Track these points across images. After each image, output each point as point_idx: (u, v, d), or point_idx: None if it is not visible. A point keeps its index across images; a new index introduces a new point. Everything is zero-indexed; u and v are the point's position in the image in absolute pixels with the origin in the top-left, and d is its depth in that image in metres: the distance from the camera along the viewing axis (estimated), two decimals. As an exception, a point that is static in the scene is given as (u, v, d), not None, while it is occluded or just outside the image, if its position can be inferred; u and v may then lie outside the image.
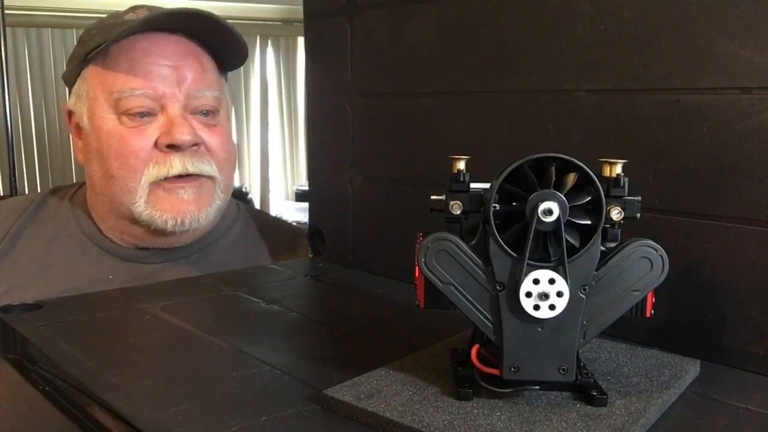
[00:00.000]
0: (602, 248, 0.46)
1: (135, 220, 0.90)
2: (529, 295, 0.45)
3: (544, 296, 0.45)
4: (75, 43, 0.96)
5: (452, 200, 0.47)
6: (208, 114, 0.93)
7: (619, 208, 0.46)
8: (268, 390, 0.51)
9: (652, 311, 0.48)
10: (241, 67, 1.12)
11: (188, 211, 0.89)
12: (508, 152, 0.46)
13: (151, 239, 0.94)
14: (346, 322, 0.51)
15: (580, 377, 0.48)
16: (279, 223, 1.22)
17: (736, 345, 0.57)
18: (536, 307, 0.45)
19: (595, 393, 0.47)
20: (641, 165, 0.61)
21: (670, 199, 0.60)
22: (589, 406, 0.46)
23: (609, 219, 0.46)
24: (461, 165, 0.49)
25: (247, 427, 0.46)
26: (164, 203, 0.89)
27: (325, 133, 0.95)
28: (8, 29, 2.04)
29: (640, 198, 0.47)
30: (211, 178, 0.92)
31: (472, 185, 0.48)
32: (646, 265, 0.46)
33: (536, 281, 0.45)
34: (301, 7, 0.97)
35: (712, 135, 0.57)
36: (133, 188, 0.88)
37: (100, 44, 0.87)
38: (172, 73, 0.89)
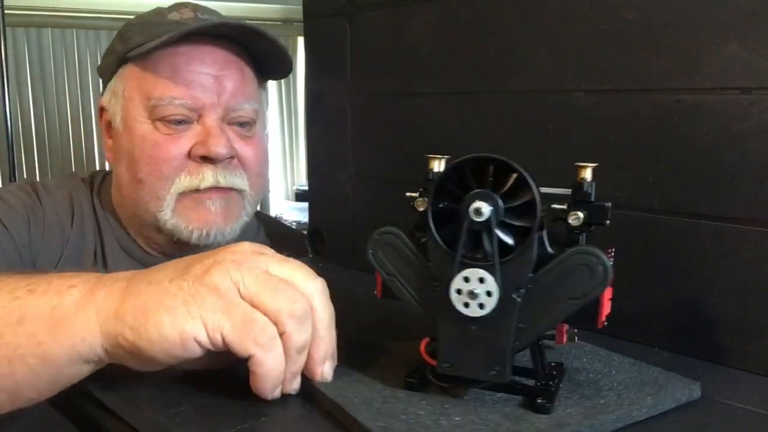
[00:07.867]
0: (551, 252, 0.46)
1: (159, 229, 0.88)
2: (459, 292, 0.45)
3: (472, 294, 0.45)
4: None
5: (420, 197, 0.50)
6: (245, 125, 0.90)
7: (578, 213, 0.45)
8: (268, 390, 0.51)
9: (605, 322, 0.46)
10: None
11: (215, 223, 0.87)
12: (508, 152, 0.46)
13: (176, 250, 0.90)
14: (346, 322, 0.51)
15: (541, 381, 0.48)
16: (292, 233, 1.21)
17: (736, 345, 0.57)
18: (466, 305, 0.45)
19: (540, 400, 0.46)
20: (641, 165, 0.61)
21: (670, 199, 0.60)
22: (521, 410, 0.46)
23: (567, 224, 0.46)
24: (434, 164, 0.51)
25: (247, 428, 0.46)
26: (191, 213, 0.86)
27: (325, 133, 0.95)
28: (8, 29, 2.04)
29: (609, 204, 0.46)
30: (240, 192, 0.89)
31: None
32: (585, 272, 0.44)
33: (467, 279, 0.45)
34: (301, 7, 0.97)
35: (712, 135, 0.57)
36: (162, 195, 0.85)
37: (141, 44, 0.84)
38: (213, 82, 0.86)
